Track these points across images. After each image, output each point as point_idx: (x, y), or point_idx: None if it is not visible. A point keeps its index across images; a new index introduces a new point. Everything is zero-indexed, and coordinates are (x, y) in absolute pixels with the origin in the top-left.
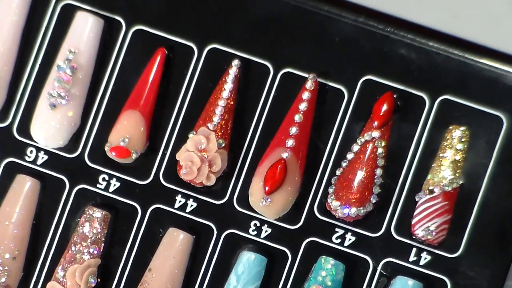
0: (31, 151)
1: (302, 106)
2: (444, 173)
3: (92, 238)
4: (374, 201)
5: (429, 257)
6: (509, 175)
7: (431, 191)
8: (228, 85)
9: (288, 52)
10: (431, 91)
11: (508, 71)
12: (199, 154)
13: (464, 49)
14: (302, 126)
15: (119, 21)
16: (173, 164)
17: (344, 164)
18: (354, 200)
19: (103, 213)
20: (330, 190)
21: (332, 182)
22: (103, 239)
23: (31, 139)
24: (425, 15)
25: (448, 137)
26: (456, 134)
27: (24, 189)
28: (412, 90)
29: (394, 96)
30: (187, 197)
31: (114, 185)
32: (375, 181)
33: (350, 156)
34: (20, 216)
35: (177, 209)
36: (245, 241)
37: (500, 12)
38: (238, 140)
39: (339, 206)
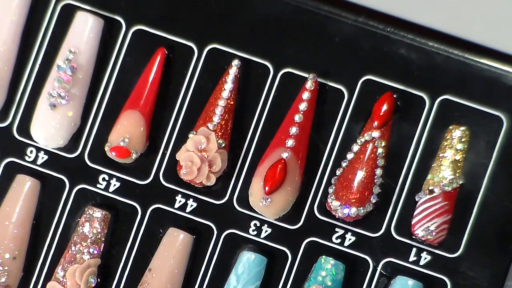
0: (31, 151)
1: (302, 106)
2: (444, 173)
3: (92, 238)
4: (374, 201)
5: (429, 257)
6: (509, 175)
7: (431, 191)
8: (228, 85)
9: (288, 52)
10: (431, 91)
11: (508, 71)
12: (199, 154)
13: (464, 49)
14: (302, 126)
15: (119, 21)
16: (173, 164)
17: (344, 164)
18: (354, 200)
19: (103, 213)
20: (330, 190)
21: (332, 182)
22: (103, 239)
23: (31, 139)
24: (425, 15)
25: (448, 137)
26: (456, 134)
27: (24, 189)
28: (412, 90)
29: (394, 96)
30: (187, 197)
31: (114, 185)
32: (375, 181)
33: (350, 156)
34: (20, 216)
35: (177, 209)
36: (245, 241)
37: (500, 12)
38: (238, 140)
39: (339, 206)
